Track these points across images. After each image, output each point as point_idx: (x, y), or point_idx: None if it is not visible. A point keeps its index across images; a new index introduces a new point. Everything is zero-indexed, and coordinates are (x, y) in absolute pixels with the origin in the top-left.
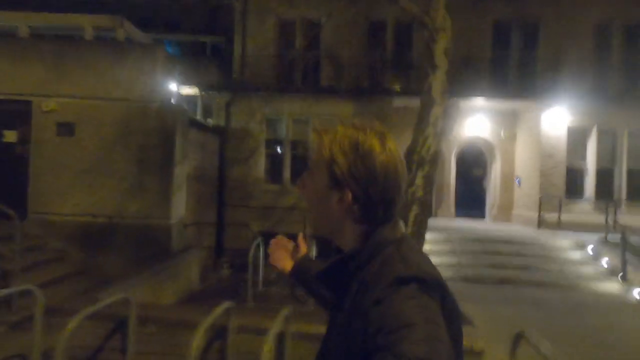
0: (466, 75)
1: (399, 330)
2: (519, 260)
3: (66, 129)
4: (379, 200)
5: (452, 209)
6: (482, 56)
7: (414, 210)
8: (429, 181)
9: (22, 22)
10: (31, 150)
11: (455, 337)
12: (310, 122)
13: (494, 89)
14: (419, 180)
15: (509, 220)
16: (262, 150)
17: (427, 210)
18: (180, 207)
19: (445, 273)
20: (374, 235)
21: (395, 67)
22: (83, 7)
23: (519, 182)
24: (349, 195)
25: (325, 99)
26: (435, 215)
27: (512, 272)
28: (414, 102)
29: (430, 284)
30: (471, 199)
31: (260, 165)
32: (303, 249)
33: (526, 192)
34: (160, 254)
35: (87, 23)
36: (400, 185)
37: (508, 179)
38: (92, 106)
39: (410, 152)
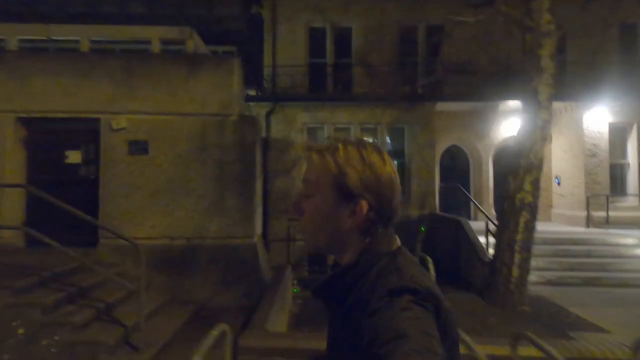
0: (499, 79)
1: (392, 341)
2: (593, 261)
3: (139, 147)
4: (387, 209)
5: (492, 210)
6: (514, 60)
7: (524, 216)
8: (536, 186)
9: (84, 35)
10: (101, 171)
11: (450, 348)
12: (352, 129)
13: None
14: (527, 186)
15: (549, 219)
16: (304, 161)
17: (535, 216)
18: (258, 223)
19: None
20: (370, 248)
21: (429, 73)
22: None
23: (559, 182)
24: (364, 206)
25: (366, 106)
26: (476, 219)
27: (594, 273)
28: (453, 107)
29: (423, 295)
30: None
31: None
32: None
33: (569, 191)
34: (249, 275)
35: (154, 35)
36: (399, 196)
37: (546, 179)
38: (165, 122)
39: (517, 157)
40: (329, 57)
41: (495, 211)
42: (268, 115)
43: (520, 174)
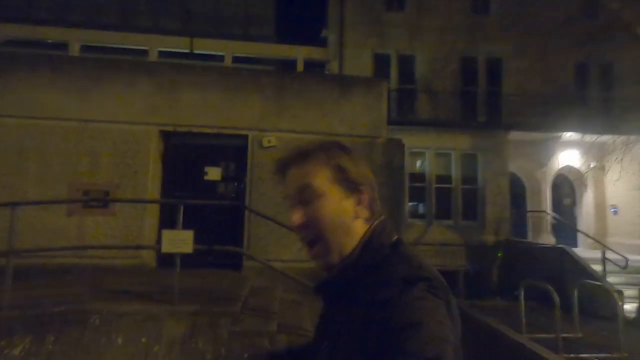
0: (556, 111)
1: (408, 329)
2: None
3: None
4: (377, 199)
5: (552, 237)
6: (567, 94)
7: None
8: None
9: (228, 52)
10: (247, 189)
11: (458, 339)
12: (427, 154)
13: (583, 125)
14: None
15: (604, 248)
16: (406, 184)
17: None
18: None
19: None
20: (372, 239)
21: (489, 102)
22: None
23: (616, 211)
24: (368, 193)
25: (445, 132)
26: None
27: None
28: (517, 136)
29: (436, 284)
30: (562, 228)
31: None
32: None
33: (628, 220)
34: None
35: (299, 55)
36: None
37: (600, 208)
38: (314, 141)
39: None
40: (393, 83)
41: (555, 237)
42: None
43: None
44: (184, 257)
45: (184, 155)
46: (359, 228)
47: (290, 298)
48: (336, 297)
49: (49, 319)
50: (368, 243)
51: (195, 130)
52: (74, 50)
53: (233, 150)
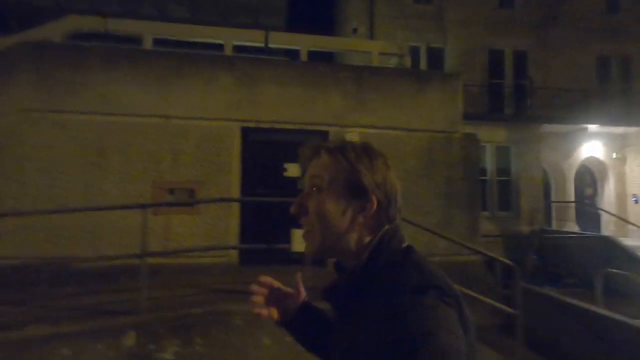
0: (580, 103)
1: (419, 339)
2: None
3: None
4: (393, 207)
5: (576, 226)
6: (590, 86)
7: None
8: None
9: (303, 45)
10: None
11: (469, 347)
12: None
13: (605, 117)
14: None
15: (625, 235)
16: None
17: None
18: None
19: None
20: (381, 246)
21: (516, 95)
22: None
23: (637, 200)
24: (375, 202)
25: (480, 125)
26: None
27: None
28: (544, 128)
29: (447, 292)
30: (585, 217)
31: None
32: (302, 292)
33: None
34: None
35: (374, 49)
36: (400, 198)
37: (621, 198)
38: (393, 137)
39: None
40: None
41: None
42: None
43: None
44: (261, 254)
45: (262, 152)
46: (362, 233)
47: None
48: (345, 303)
49: (192, 321)
50: (376, 249)
51: (277, 126)
52: (147, 43)
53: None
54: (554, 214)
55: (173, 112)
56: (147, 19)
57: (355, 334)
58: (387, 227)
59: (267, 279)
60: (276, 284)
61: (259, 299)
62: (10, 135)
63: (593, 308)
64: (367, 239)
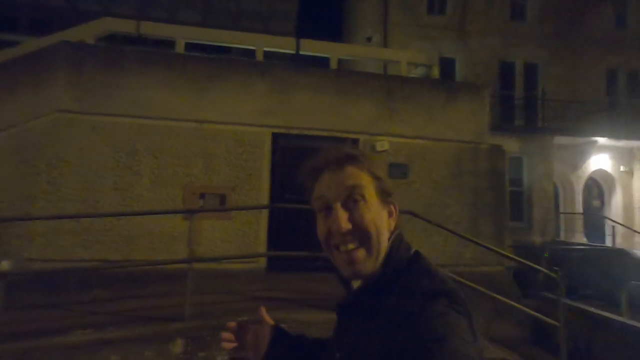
0: (589, 116)
1: (430, 345)
2: None
3: (399, 170)
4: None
5: (584, 237)
6: (599, 100)
7: None
8: None
9: (333, 53)
10: None
11: (479, 355)
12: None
13: (613, 130)
14: None
15: (632, 246)
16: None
17: None
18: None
19: None
20: (392, 253)
21: (527, 106)
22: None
23: None
24: (395, 207)
25: (497, 135)
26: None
27: None
28: (564, 140)
29: (458, 299)
30: (591, 229)
31: None
32: (269, 320)
33: None
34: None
35: (403, 58)
36: None
37: (628, 209)
38: (422, 146)
39: None
40: None
41: (586, 238)
42: None
43: None
44: (291, 261)
45: (292, 158)
46: (387, 240)
47: None
48: (355, 311)
49: None
50: (388, 257)
51: (307, 132)
52: (180, 47)
53: None
54: (562, 225)
55: (206, 116)
56: (158, 22)
57: (365, 340)
58: (393, 235)
59: (232, 324)
60: (243, 324)
61: (229, 344)
62: (45, 135)
63: (633, 322)
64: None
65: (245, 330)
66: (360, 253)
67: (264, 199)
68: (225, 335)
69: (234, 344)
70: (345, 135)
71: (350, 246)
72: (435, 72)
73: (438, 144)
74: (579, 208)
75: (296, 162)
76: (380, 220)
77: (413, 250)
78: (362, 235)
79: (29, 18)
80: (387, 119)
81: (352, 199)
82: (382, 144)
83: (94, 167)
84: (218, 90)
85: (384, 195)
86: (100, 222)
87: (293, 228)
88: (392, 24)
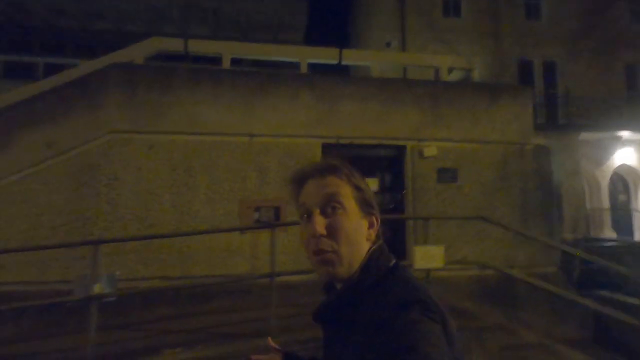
0: (609, 111)
1: (404, 353)
2: None
3: (448, 175)
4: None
5: (613, 232)
6: (618, 95)
7: None
8: None
9: (374, 61)
10: (408, 200)
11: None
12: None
13: (635, 124)
14: None
15: None
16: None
17: None
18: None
19: None
20: (370, 263)
21: (547, 104)
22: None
23: None
24: (377, 218)
25: None
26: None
27: None
28: (589, 136)
29: (431, 307)
30: (618, 224)
31: None
32: (276, 349)
33: None
34: (569, 304)
35: (443, 64)
36: None
37: None
38: (469, 150)
39: None
40: None
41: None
42: None
43: None
44: None
45: None
46: (366, 250)
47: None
48: (335, 322)
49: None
50: (366, 266)
51: (357, 141)
52: (226, 63)
53: (387, 161)
54: (590, 221)
55: (257, 130)
56: (170, 37)
57: (345, 349)
58: (374, 246)
59: (256, 357)
60: (257, 358)
61: None
62: (101, 156)
63: None
64: (366, 250)
65: None
66: (331, 257)
67: None
68: None
69: None
70: (392, 142)
71: (323, 248)
72: (475, 76)
73: (484, 147)
74: (605, 203)
75: None
76: (358, 229)
77: (393, 261)
78: (335, 240)
79: (75, 42)
80: (433, 124)
81: (330, 206)
82: (431, 150)
83: (151, 185)
84: (266, 104)
85: (365, 206)
86: (159, 239)
87: None
88: (409, 29)
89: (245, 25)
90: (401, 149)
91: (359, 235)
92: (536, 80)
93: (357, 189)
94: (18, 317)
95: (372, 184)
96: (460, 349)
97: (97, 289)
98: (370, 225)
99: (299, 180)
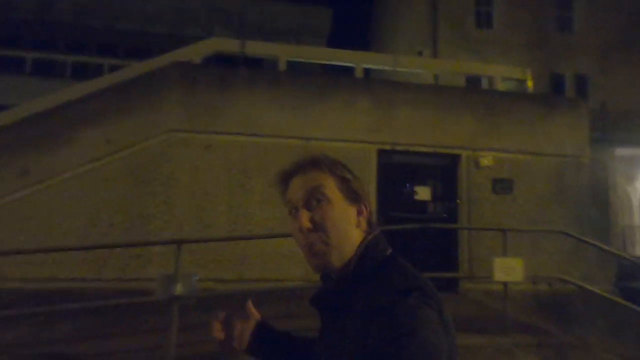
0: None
1: (403, 338)
2: None
3: (504, 185)
4: (372, 212)
5: None
6: None
7: None
8: None
9: (430, 69)
10: (462, 210)
11: (452, 347)
12: None
13: None
14: None
15: None
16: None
17: None
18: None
19: None
20: (368, 252)
21: None
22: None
23: None
24: (366, 206)
25: None
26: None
27: None
28: (628, 152)
29: (429, 294)
30: None
31: None
32: (255, 314)
33: None
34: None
35: (497, 73)
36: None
37: None
38: (524, 161)
39: None
40: None
41: None
42: None
43: None
44: None
45: (396, 174)
46: (358, 238)
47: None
48: (332, 308)
49: None
50: (363, 255)
51: (412, 149)
52: (282, 65)
53: (440, 170)
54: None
55: (313, 133)
56: (193, 39)
57: (342, 335)
58: (370, 235)
59: (221, 314)
60: (230, 316)
61: (219, 334)
62: (159, 156)
63: None
64: (359, 238)
65: (232, 322)
66: (320, 248)
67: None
68: (216, 325)
69: (223, 334)
70: (447, 151)
71: (311, 241)
72: (530, 86)
73: (539, 159)
74: (637, 220)
75: (400, 179)
76: (345, 217)
77: (390, 250)
78: (322, 231)
79: (99, 41)
80: (488, 133)
81: (314, 199)
82: (487, 159)
83: (207, 185)
84: (323, 108)
85: (351, 194)
86: (213, 242)
87: (394, 245)
88: (442, 39)
89: (270, 30)
90: (455, 158)
91: (346, 223)
92: (568, 94)
93: (342, 179)
94: (74, 316)
95: (424, 192)
96: (454, 337)
97: (178, 289)
98: (359, 213)
99: (284, 179)
